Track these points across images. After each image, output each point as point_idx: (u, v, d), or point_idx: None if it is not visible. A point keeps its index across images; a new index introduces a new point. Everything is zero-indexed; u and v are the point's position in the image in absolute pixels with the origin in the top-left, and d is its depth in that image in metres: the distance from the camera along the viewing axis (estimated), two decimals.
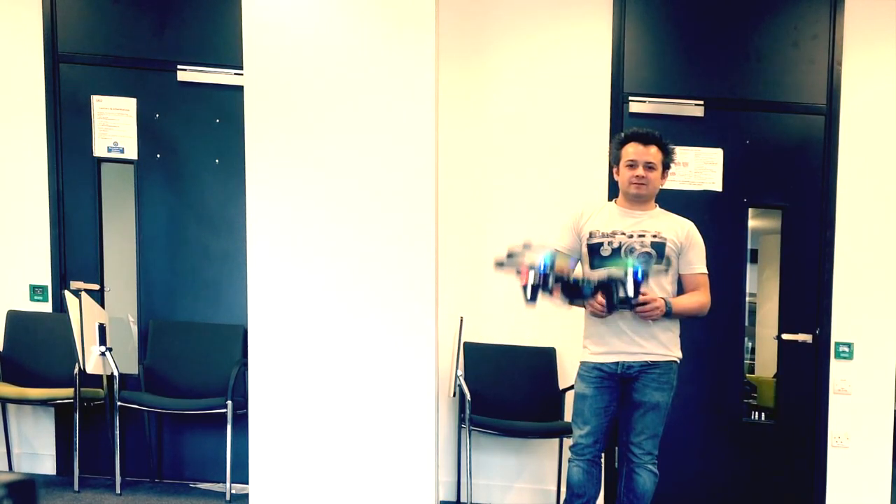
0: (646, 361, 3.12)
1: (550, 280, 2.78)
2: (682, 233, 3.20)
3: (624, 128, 4.17)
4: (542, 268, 2.74)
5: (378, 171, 3.29)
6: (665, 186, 4.13)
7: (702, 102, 4.21)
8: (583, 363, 3.21)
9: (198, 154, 4.22)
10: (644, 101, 4.19)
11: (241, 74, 3.45)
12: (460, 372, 3.90)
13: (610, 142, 3.41)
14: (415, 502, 3.34)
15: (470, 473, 3.98)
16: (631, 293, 2.74)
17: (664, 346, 3.15)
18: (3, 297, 4.18)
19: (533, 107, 4.20)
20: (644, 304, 3.03)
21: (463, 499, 4.09)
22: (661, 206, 3.29)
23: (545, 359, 4.21)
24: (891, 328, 4.23)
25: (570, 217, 3.28)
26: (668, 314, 3.10)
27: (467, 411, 3.87)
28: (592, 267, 3.18)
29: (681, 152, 4.19)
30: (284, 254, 3.30)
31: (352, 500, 3.33)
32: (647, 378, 3.13)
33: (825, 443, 4.24)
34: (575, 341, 4.19)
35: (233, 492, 3.91)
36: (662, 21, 4.28)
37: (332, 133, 3.29)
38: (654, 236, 3.15)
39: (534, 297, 2.80)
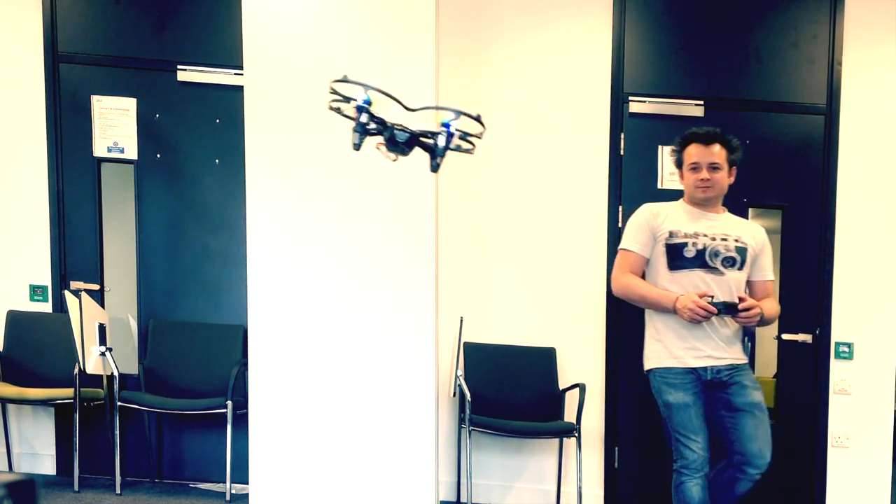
0: (732, 365, 3.04)
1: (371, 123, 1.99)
2: (758, 238, 3.13)
3: (624, 128, 4.18)
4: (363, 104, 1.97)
5: (378, 171, 3.29)
6: (665, 186, 4.18)
7: (702, 102, 4.21)
8: (668, 370, 3.05)
9: (198, 154, 4.22)
10: (644, 101, 4.19)
11: (241, 74, 3.45)
12: (460, 372, 3.90)
13: (674, 145, 3.23)
14: (415, 502, 3.34)
15: (470, 473, 3.97)
16: (442, 143, 1.96)
17: (741, 349, 3.09)
18: (3, 297, 4.18)
19: (533, 106, 4.20)
20: (748, 309, 2.95)
21: (463, 499, 4.09)
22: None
23: (545, 359, 4.21)
24: (891, 328, 4.23)
25: (643, 215, 3.17)
26: (761, 321, 3.03)
27: (467, 411, 3.87)
28: (671, 268, 3.07)
29: None
30: (284, 254, 3.31)
31: (352, 499, 3.34)
32: (742, 379, 3.03)
33: (825, 443, 4.24)
34: (575, 341, 4.22)
35: (233, 492, 3.91)
36: (662, 21, 4.28)
37: (331, 133, 3.29)
38: (737, 240, 3.06)
39: (359, 145, 2.00)
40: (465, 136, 1.93)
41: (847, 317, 4.21)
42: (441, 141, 1.90)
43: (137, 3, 4.19)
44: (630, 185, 4.19)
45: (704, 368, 3.01)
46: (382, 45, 3.27)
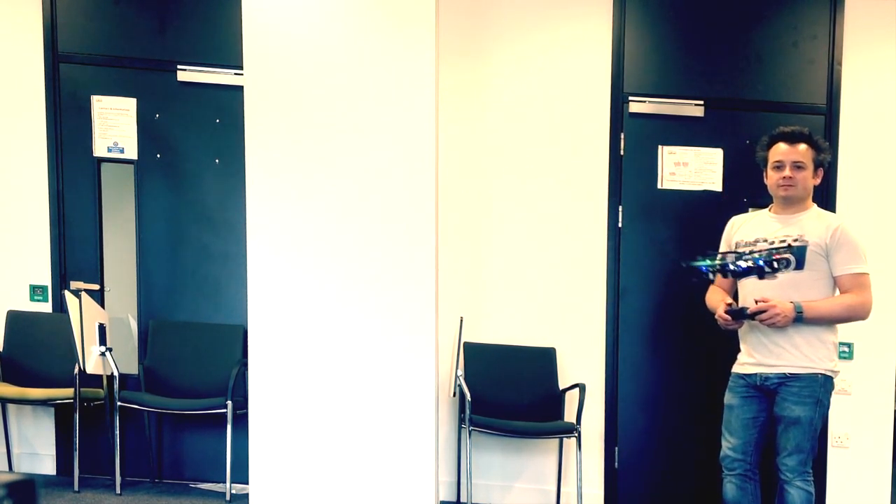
0: (783, 374, 2.96)
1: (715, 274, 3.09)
2: (827, 233, 2.98)
3: (624, 128, 4.18)
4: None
5: (378, 171, 3.29)
6: (665, 186, 4.18)
7: (702, 102, 4.21)
8: (734, 374, 3.12)
9: (198, 154, 4.22)
10: (644, 101, 4.19)
11: (241, 74, 3.45)
12: (460, 372, 3.90)
13: (757, 146, 3.17)
14: (415, 502, 3.34)
15: (470, 473, 3.97)
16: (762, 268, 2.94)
17: (807, 356, 2.97)
18: (3, 297, 4.18)
19: (533, 106, 4.20)
20: (762, 311, 2.89)
21: (463, 499, 4.09)
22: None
23: (545, 359, 4.21)
24: (891, 328, 4.22)
25: (726, 229, 3.21)
26: (800, 320, 2.92)
27: (467, 411, 3.87)
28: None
29: (681, 152, 4.19)
30: (284, 254, 3.31)
31: (352, 500, 3.33)
32: (787, 391, 2.97)
33: (825, 443, 4.24)
34: (575, 341, 4.22)
35: (233, 492, 3.91)
36: (662, 21, 4.28)
37: (332, 132, 3.29)
38: (795, 240, 2.96)
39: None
40: (771, 259, 2.92)
41: None
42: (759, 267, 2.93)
43: (137, 3, 4.19)
44: (630, 185, 4.20)
45: (753, 375, 3.03)
46: (382, 45, 3.27)
